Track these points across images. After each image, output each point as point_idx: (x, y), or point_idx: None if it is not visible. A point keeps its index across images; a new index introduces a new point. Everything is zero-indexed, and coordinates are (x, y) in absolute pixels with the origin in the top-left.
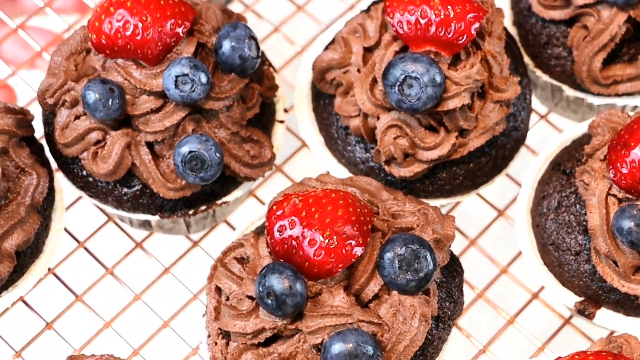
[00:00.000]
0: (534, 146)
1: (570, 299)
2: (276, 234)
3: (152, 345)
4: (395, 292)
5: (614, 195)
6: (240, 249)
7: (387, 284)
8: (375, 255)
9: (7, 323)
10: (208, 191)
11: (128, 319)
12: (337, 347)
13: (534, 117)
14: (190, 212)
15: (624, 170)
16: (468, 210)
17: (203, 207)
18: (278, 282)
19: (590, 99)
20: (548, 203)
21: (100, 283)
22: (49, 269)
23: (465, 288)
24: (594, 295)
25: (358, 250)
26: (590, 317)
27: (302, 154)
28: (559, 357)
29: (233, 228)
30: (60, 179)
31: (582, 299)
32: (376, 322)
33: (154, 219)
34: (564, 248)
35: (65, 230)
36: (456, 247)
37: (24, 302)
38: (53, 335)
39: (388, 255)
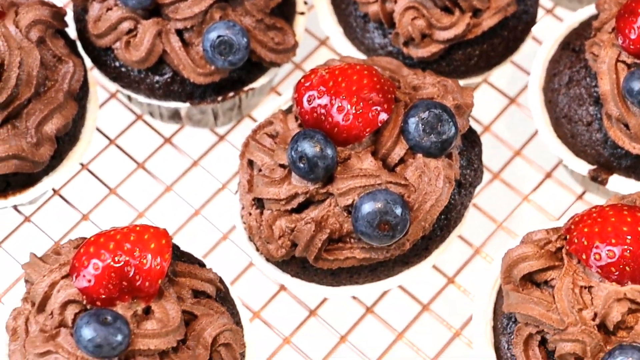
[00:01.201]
0: (541, 37)
1: (583, 168)
2: (305, 104)
3: (184, 232)
4: (419, 156)
5: (623, 62)
6: (270, 127)
7: (411, 147)
8: (400, 121)
9: (45, 215)
10: (235, 78)
11: (160, 209)
12: (367, 206)
13: (540, 12)
14: (219, 98)
15: (632, 36)
16: (482, 98)
17: (231, 94)
18: (310, 146)
19: None
20: (559, 79)
21: (132, 177)
22: (82, 165)
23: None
24: (606, 163)
25: (384, 116)
26: (603, 183)
27: (321, 52)
28: (576, 214)
29: (256, 122)
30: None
31: (595, 167)
32: (403, 183)
33: (184, 107)
34: (576, 119)
35: (97, 129)
36: None
37: (60, 195)
38: (89, 225)
39: (412, 119)
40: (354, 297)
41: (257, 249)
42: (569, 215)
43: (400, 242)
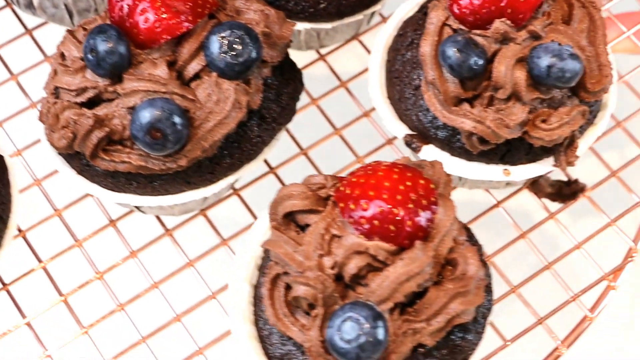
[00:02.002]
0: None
1: (401, 132)
2: (114, 1)
3: (14, 121)
4: (215, 74)
5: (449, 25)
6: (93, 24)
7: (208, 64)
8: (202, 36)
9: None
10: None
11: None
12: (144, 111)
13: None
14: None
15: (462, 2)
16: (343, 57)
17: None
18: (101, 40)
19: None
20: (403, 40)
21: None
22: None
23: (326, 124)
24: (424, 130)
25: (185, 25)
26: (416, 150)
27: None
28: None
29: None
30: None
31: (413, 133)
32: (190, 97)
33: None
34: (406, 82)
35: None
36: (326, 86)
37: None
38: None
39: (214, 37)
40: (158, 218)
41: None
42: None
43: (177, 157)
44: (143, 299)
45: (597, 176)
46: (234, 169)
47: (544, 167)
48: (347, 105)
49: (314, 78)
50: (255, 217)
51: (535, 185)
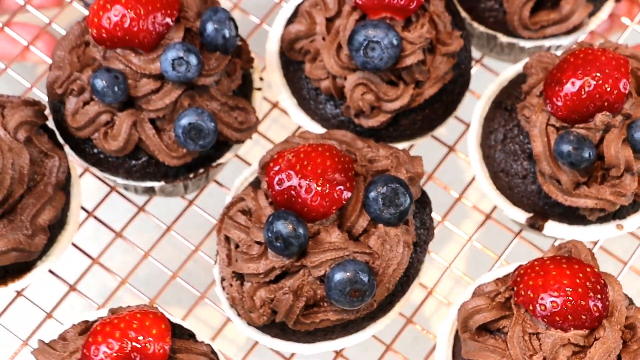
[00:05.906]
0: (473, 88)
1: (521, 216)
2: (276, 187)
3: (164, 296)
4: (380, 225)
5: (553, 125)
6: (242, 203)
7: (373, 219)
8: (361, 196)
9: (35, 290)
10: (204, 156)
11: (141, 274)
12: (338, 276)
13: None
14: (191, 175)
15: (559, 103)
16: (423, 149)
17: (201, 170)
18: (284, 227)
19: (522, 43)
20: (495, 136)
21: (112, 246)
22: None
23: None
24: (541, 211)
25: (347, 194)
26: (539, 229)
27: (272, 115)
28: (520, 265)
29: (221, 185)
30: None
31: (531, 214)
32: (368, 252)
33: (158, 185)
34: (512, 173)
35: None
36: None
37: (50, 271)
38: (77, 296)
39: (372, 194)
40: None
41: (239, 315)
42: (510, 254)
43: (368, 304)
44: None
45: None
46: (404, 293)
47: None
48: (438, 194)
49: None
50: (407, 320)
51: None
